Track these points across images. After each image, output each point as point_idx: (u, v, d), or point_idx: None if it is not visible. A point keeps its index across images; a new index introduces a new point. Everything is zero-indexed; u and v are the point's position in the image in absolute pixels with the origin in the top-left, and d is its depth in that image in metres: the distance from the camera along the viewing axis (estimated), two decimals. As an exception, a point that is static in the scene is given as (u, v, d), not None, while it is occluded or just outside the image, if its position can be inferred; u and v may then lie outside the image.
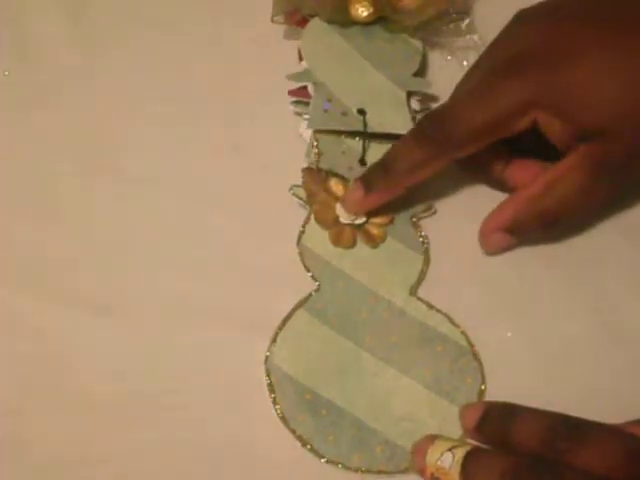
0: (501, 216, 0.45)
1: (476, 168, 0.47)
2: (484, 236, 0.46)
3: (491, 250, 0.46)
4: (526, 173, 0.45)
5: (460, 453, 0.38)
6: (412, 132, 0.45)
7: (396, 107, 0.48)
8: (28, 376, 0.43)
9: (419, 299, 0.45)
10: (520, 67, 0.43)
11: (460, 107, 0.44)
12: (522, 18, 0.45)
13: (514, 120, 0.43)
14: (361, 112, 0.48)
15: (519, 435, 0.37)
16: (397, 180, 0.44)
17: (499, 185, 0.47)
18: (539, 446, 0.36)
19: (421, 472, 0.39)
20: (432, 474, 0.38)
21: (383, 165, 0.45)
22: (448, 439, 0.39)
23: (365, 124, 0.47)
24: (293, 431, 0.42)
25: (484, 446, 0.39)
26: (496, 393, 0.43)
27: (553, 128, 0.43)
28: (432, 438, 0.39)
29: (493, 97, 0.43)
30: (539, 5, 0.46)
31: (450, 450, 0.38)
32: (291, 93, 0.49)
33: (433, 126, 0.44)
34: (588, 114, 0.42)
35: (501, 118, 0.43)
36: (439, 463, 0.38)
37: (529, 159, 0.46)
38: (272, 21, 0.50)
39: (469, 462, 0.37)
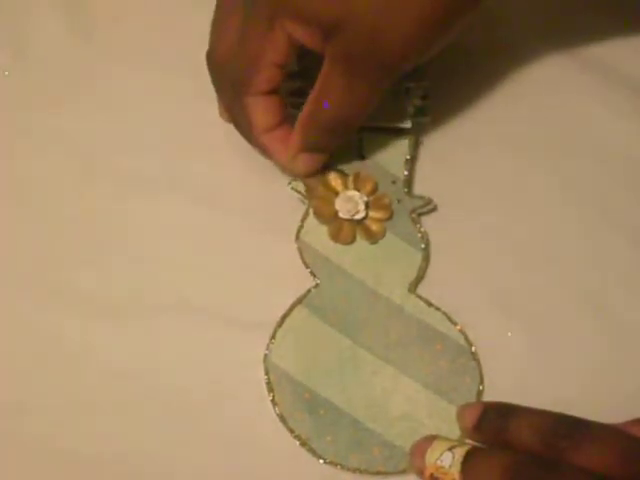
0: (294, 140, 0.44)
1: None
2: (291, 162, 0.45)
3: (305, 171, 0.46)
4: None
5: (460, 452, 0.38)
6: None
7: (393, 101, 0.47)
8: (28, 376, 0.43)
9: (418, 296, 0.45)
10: None
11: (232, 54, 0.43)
12: None
13: (274, 42, 0.42)
14: None
15: (518, 434, 0.37)
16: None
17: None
18: (538, 445, 0.37)
19: (419, 472, 0.39)
20: (431, 474, 0.38)
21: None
22: (447, 439, 0.39)
23: None
24: (291, 430, 0.42)
25: (483, 446, 0.39)
26: (495, 393, 0.42)
27: (301, 34, 0.41)
28: (431, 438, 0.39)
29: (252, 30, 0.42)
30: None
31: (450, 450, 0.38)
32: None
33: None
34: (320, 7, 0.40)
35: (263, 46, 0.42)
36: (439, 463, 0.38)
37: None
38: None
39: (469, 461, 0.37)
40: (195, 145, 0.49)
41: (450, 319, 0.44)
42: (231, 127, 0.46)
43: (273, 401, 0.42)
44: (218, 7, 0.45)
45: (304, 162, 0.45)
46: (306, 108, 0.44)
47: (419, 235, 0.46)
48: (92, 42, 0.51)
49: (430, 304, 0.44)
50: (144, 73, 0.50)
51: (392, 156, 0.47)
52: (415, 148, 0.48)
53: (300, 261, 0.45)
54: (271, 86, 0.44)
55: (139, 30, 0.52)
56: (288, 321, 0.44)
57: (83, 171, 0.48)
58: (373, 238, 0.45)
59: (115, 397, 0.43)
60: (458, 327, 0.44)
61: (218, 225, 0.46)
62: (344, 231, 0.45)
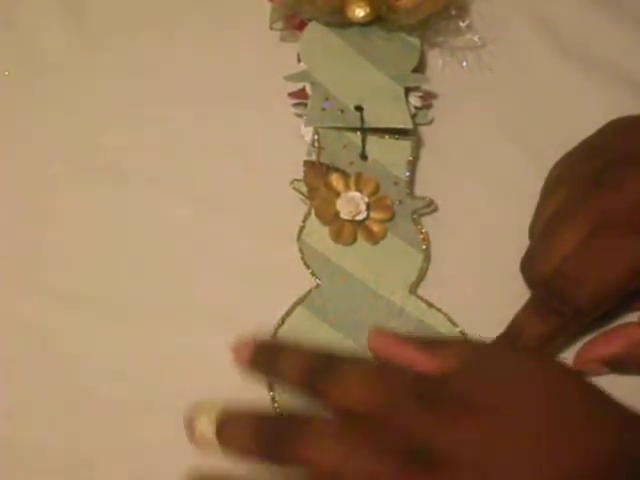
0: (606, 348, 0.42)
1: None
2: (581, 362, 0.43)
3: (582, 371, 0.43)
4: None
5: (215, 419, 0.36)
6: (533, 305, 0.42)
7: (394, 102, 0.48)
8: (27, 376, 0.44)
9: (419, 297, 0.45)
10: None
11: (579, 270, 0.40)
12: (631, 159, 0.41)
13: None
14: (358, 109, 0.47)
15: (285, 373, 0.36)
16: None
17: None
18: (300, 383, 0.35)
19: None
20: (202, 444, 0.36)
21: (509, 341, 0.42)
22: (207, 404, 0.37)
23: (362, 120, 0.47)
24: (291, 430, 0.42)
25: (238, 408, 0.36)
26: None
27: None
28: (196, 408, 0.37)
29: (616, 255, 0.40)
30: None
31: (207, 416, 0.36)
32: (291, 95, 0.48)
33: (554, 296, 0.41)
34: None
35: (628, 275, 0.40)
36: (207, 435, 0.36)
37: None
38: (271, 28, 0.50)
39: (222, 428, 0.35)
40: (195, 145, 0.49)
41: (451, 320, 0.44)
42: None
43: (273, 400, 0.43)
44: (557, 214, 0.42)
45: (590, 369, 0.42)
46: None
47: (420, 236, 0.46)
48: (92, 42, 0.52)
49: (431, 305, 0.44)
50: (145, 74, 0.51)
51: (394, 157, 0.47)
52: (417, 149, 0.48)
53: (301, 261, 0.45)
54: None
55: (140, 31, 0.52)
56: (289, 321, 0.44)
57: (83, 171, 0.48)
58: (374, 239, 0.46)
59: (114, 397, 0.43)
60: (459, 329, 0.44)
61: (219, 225, 0.47)
62: (345, 232, 0.45)
